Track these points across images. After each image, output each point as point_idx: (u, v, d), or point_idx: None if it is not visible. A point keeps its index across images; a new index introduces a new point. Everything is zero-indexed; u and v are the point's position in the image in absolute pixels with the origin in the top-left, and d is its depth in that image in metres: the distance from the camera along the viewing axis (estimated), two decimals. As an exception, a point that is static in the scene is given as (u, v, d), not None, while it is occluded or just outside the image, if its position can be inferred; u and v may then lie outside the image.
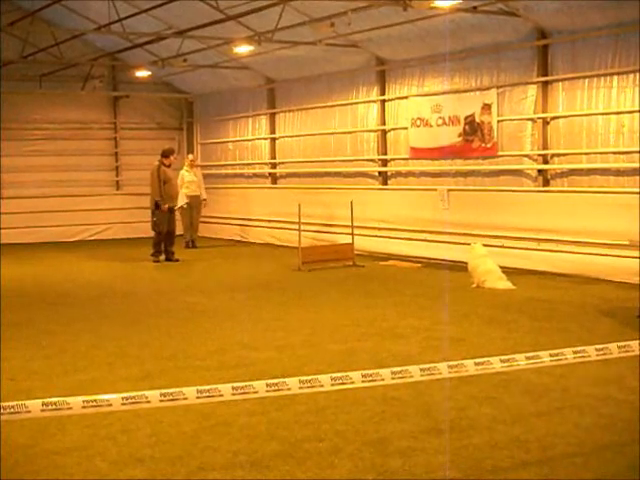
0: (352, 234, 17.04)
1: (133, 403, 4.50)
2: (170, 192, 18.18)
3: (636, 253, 12.84)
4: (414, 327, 10.31)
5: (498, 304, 11.91)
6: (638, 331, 9.41)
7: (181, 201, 19.79)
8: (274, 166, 22.20)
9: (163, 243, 18.10)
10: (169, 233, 18.16)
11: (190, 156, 21.89)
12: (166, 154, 18.31)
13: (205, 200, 21.14)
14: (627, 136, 13.99)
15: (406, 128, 17.96)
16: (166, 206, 17.94)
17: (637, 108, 13.72)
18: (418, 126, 17.60)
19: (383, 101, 18.64)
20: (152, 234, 18.22)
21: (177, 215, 19.24)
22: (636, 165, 13.73)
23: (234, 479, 5.40)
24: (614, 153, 14.26)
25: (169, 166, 18.27)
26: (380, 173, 18.85)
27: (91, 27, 19.72)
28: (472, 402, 6.95)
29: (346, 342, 9.55)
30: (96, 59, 22.27)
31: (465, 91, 16.65)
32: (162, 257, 18.01)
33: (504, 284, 13.32)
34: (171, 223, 18.26)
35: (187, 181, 20.53)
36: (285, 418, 6.59)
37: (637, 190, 13.35)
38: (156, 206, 17.94)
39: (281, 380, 4.77)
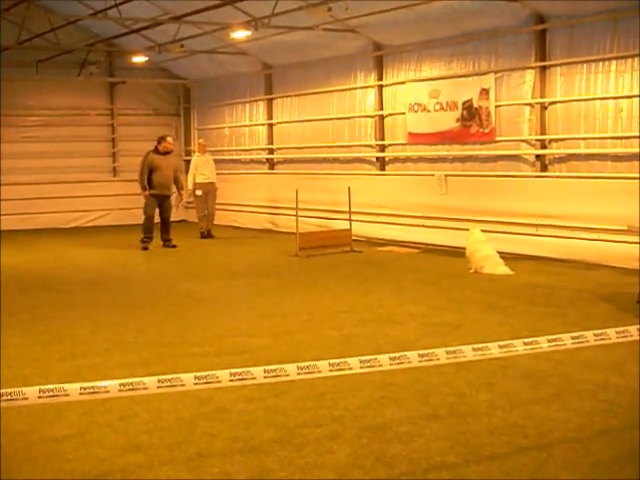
0: (350, 220, 17.02)
1: (130, 390, 4.49)
2: (158, 180, 17.74)
3: (634, 238, 12.82)
4: (412, 313, 10.30)
5: (496, 290, 11.90)
6: (637, 316, 9.41)
7: (183, 195, 19.24)
8: (271, 152, 22.16)
9: (160, 231, 17.91)
10: (163, 220, 17.99)
11: (201, 140, 21.35)
12: (158, 140, 17.97)
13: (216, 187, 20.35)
14: (625, 121, 13.96)
15: (404, 113, 17.92)
16: (147, 192, 17.66)
17: (635, 93, 13.68)
18: (416, 111, 17.56)
19: (380, 86, 18.58)
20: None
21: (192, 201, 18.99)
22: (634, 150, 13.71)
23: (232, 465, 5.39)
24: (612, 138, 14.23)
25: (164, 153, 17.91)
26: (378, 158, 18.82)
27: (87, 13, 19.63)
28: (470, 388, 6.94)
29: (344, 328, 9.55)
30: (92, 45, 22.17)
31: (463, 76, 16.59)
32: (152, 244, 17.73)
33: (502, 269, 13.31)
34: (164, 210, 17.99)
35: (201, 168, 20.02)
36: (283, 404, 6.58)
37: (635, 175, 13.34)
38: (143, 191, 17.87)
39: (279, 366, 4.75)
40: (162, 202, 17.97)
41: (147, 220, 17.84)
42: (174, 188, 18.35)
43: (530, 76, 15.41)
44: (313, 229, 18.22)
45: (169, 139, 18.31)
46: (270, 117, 21.97)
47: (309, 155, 20.60)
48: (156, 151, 17.87)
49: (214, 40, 19.98)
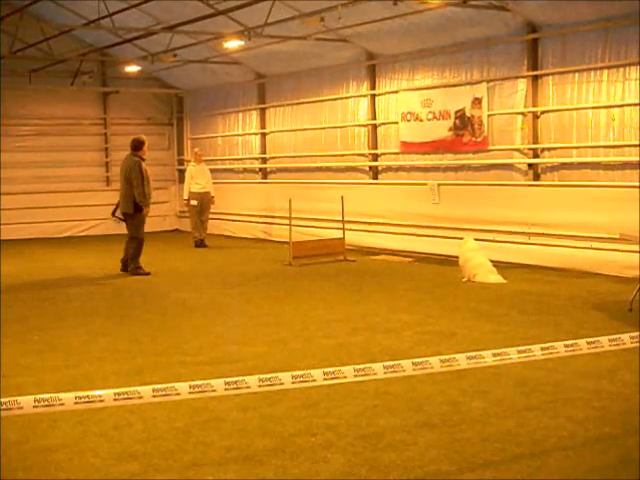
0: (343, 229, 17.03)
1: (125, 399, 4.50)
2: (150, 192, 15.39)
3: (626, 247, 12.85)
4: (405, 321, 10.31)
5: (489, 298, 11.92)
6: (630, 324, 9.43)
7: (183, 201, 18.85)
8: (264, 161, 22.18)
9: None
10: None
11: (197, 149, 21.10)
12: (138, 144, 15.47)
13: (213, 197, 20.01)
14: (617, 130, 14.02)
15: (396, 122, 17.96)
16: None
17: (627, 102, 13.76)
18: (408, 120, 17.60)
19: (373, 95, 18.63)
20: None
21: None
22: (626, 159, 13.78)
23: (227, 474, 5.39)
24: (604, 147, 14.29)
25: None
26: (371, 168, 18.85)
27: (80, 22, 19.66)
28: (464, 396, 6.96)
29: (338, 337, 9.55)
30: (85, 54, 22.19)
31: (455, 85, 16.65)
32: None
33: (495, 278, 13.33)
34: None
35: (196, 177, 19.83)
36: (277, 413, 6.59)
37: (627, 184, 13.42)
38: (136, 208, 15.23)
39: (273, 375, 4.77)
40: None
41: (140, 244, 15.50)
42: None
43: (522, 85, 15.47)
44: (306, 238, 18.22)
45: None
46: (263, 126, 22.00)
47: (302, 164, 20.63)
48: (141, 158, 15.39)
49: (207, 50, 20.02)
